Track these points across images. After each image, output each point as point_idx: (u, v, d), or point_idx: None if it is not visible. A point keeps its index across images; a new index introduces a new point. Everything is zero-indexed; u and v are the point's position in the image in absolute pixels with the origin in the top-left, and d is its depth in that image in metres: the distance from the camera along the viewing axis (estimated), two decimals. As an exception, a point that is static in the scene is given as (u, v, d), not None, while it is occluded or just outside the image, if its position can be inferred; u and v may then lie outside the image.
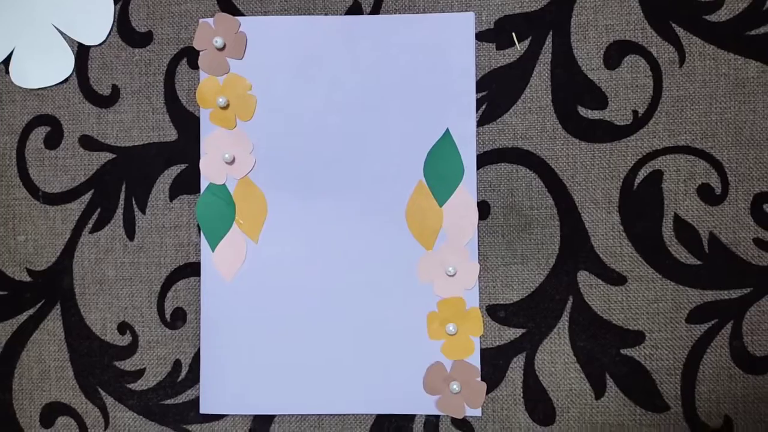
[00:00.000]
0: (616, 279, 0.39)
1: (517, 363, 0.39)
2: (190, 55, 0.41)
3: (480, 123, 0.40)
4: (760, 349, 0.38)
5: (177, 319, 0.41)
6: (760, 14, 0.39)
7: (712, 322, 0.38)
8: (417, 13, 0.40)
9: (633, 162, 0.39)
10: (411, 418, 0.39)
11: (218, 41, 0.40)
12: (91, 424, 0.41)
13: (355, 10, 0.40)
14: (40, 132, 0.42)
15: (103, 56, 0.41)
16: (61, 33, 0.41)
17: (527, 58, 0.40)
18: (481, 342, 0.39)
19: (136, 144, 0.41)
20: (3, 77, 0.42)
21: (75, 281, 0.41)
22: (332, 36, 0.40)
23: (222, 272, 0.40)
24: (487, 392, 0.39)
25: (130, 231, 0.41)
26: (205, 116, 0.41)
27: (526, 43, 0.40)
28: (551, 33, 0.40)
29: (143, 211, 0.41)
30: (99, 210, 0.41)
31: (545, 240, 0.39)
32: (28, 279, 0.41)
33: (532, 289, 0.39)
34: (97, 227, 0.41)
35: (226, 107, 0.40)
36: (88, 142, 0.41)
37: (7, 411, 0.41)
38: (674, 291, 0.39)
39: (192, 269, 0.41)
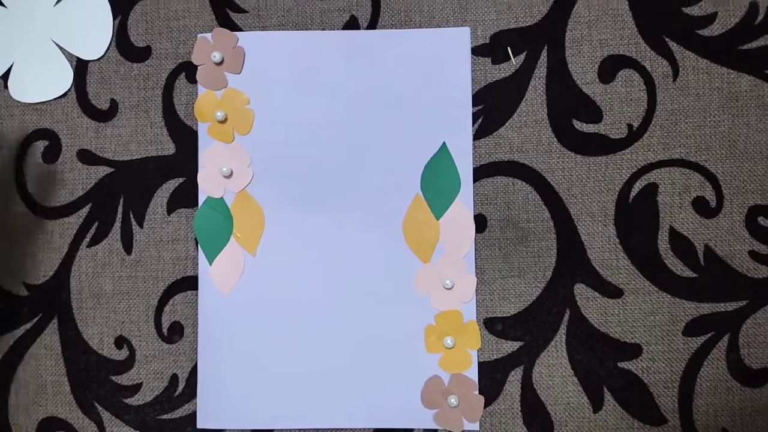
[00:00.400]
0: (612, 292, 0.39)
1: (515, 376, 0.39)
2: (188, 70, 0.41)
3: (476, 136, 0.40)
4: (756, 362, 0.38)
5: (174, 333, 0.41)
6: (753, 28, 0.39)
7: (709, 334, 0.38)
8: (413, 28, 0.40)
9: (628, 175, 0.39)
10: None
11: (216, 56, 0.40)
12: (88, 439, 0.41)
13: (351, 25, 0.41)
14: (39, 146, 0.42)
15: (101, 71, 0.42)
16: (60, 48, 0.41)
17: (522, 73, 0.40)
18: (478, 355, 0.39)
19: (134, 158, 0.41)
20: (2, 91, 0.42)
21: (72, 295, 0.41)
22: (329, 51, 0.41)
23: (219, 286, 0.40)
24: (485, 406, 0.39)
25: (127, 245, 0.41)
26: (203, 130, 0.41)
27: (522, 57, 0.40)
28: (546, 47, 0.40)
29: (141, 225, 0.41)
30: (96, 224, 0.41)
31: (542, 253, 0.39)
32: (26, 293, 0.41)
33: (529, 302, 0.39)
34: (95, 241, 0.41)
35: (224, 121, 0.41)
36: (86, 156, 0.41)
37: (4, 426, 0.41)
38: (670, 303, 0.39)
39: (189, 283, 0.41)
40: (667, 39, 0.40)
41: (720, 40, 0.39)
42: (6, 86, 0.42)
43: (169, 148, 0.41)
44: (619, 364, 0.39)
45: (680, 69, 0.39)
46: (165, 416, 0.40)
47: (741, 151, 0.39)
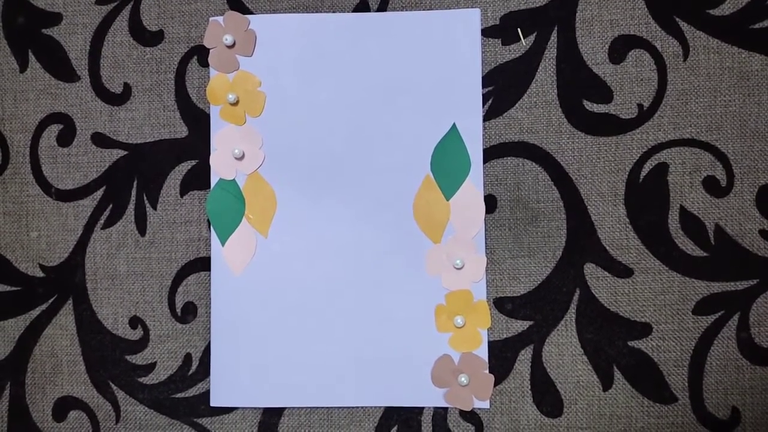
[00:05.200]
0: (622, 271, 0.39)
1: (525, 355, 0.39)
2: (200, 53, 0.42)
3: (486, 117, 0.40)
4: (766, 341, 0.38)
5: (188, 313, 0.41)
6: (764, 8, 0.39)
7: (719, 313, 0.39)
8: (423, 9, 0.41)
9: (638, 155, 0.39)
10: (419, 410, 0.40)
11: (228, 39, 0.41)
12: (103, 417, 0.41)
13: (362, 7, 0.41)
14: (53, 130, 0.42)
15: (114, 55, 0.42)
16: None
17: (533, 53, 0.40)
18: (488, 334, 0.40)
19: (147, 141, 0.42)
20: (17, 75, 0.42)
21: (87, 276, 0.42)
22: (340, 33, 0.41)
23: (232, 266, 0.41)
24: (495, 384, 0.39)
25: (141, 226, 0.41)
26: (215, 113, 0.41)
27: (532, 38, 0.40)
28: (556, 28, 0.40)
29: (154, 207, 0.41)
30: (111, 206, 0.42)
31: (552, 233, 0.40)
32: (41, 274, 0.42)
33: (539, 282, 0.39)
34: (109, 223, 0.42)
35: (235, 104, 0.41)
36: (101, 140, 0.42)
37: (20, 405, 0.41)
38: (681, 283, 0.39)
39: (202, 264, 0.41)
40: (677, 19, 0.40)
41: (731, 20, 0.39)
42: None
43: (181, 130, 0.42)
44: (629, 343, 0.39)
45: (691, 49, 0.39)
46: (179, 395, 0.41)
47: (752, 131, 0.39)
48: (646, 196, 0.39)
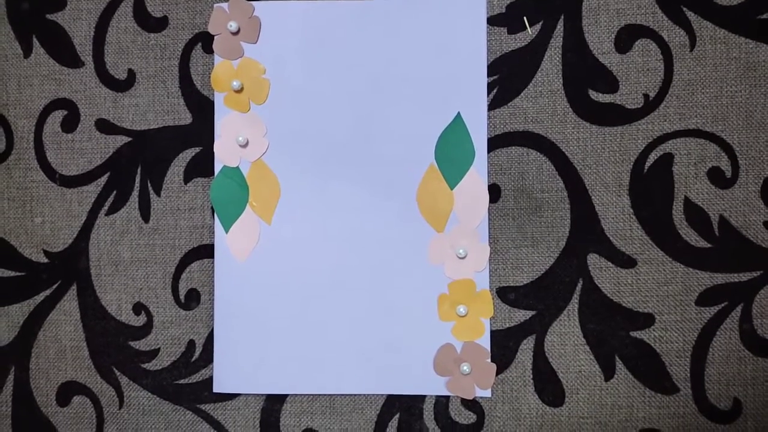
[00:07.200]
0: (626, 261, 0.39)
1: (527, 345, 0.39)
2: (204, 40, 0.42)
3: (491, 106, 0.40)
4: (769, 332, 0.38)
5: (191, 300, 0.41)
6: (772, -2, 0.39)
7: (722, 304, 0.38)
8: (429, -3, 0.40)
9: (644, 145, 0.39)
10: (421, 398, 0.40)
11: (232, 25, 0.41)
12: (106, 403, 0.41)
13: (367, -6, 0.41)
14: (57, 116, 0.42)
15: (119, 41, 0.42)
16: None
17: (538, 42, 0.40)
18: (491, 324, 0.40)
19: (151, 127, 0.42)
20: (21, 61, 0.42)
21: (91, 262, 0.42)
22: (345, 20, 0.41)
23: (235, 254, 0.41)
24: (497, 374, 0.39)
25: (145, 213, 0.42)
26: (219, 100, 0.41)
27: (538, 27, 0.40)
28: (562, 17, 0.40)
29: (158, 194, 0.42)
30: (115, 192, 0.42)
31: (556, 223, 0.40)
32: (45, 260, 0.42)
33: (542, 272, 0.39)
34: (113, 209, 0.42)
35: (240, 91, 0.41)
36: (105, 126, 0.42)
37: (24, 390, 0.42)
38: (684, 273, 0.39)
39: (206, 251, 0.41)
40: (684, 8, 0.39)
41: (738, 10, 0.39)
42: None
43: (185, 117, 0.42)
44: (631, 334, 0.39)
45: (697, 39, 0.39)
46: (182, 381, 0.41)
47: (758, 122, 0.39)
48: (650, 186, 0.39)
